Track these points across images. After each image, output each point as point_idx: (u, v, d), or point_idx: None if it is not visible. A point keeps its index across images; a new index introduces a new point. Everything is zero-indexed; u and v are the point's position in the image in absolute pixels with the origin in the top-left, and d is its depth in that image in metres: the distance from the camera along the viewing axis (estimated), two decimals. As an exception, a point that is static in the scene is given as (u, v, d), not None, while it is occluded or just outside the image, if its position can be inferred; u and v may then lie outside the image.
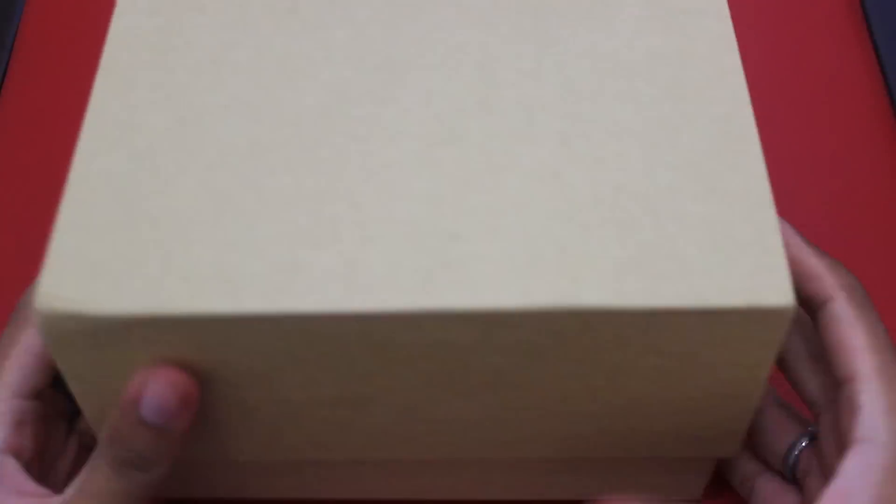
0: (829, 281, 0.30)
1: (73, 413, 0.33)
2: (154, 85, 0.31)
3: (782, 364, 0.33)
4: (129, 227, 0.27)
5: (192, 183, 0.28)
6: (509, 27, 0.32)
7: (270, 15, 0.32)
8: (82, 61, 0.48)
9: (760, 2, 0.50)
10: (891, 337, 0.29)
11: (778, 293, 0.26)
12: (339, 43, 0.32)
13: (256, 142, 0.29)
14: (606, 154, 0.29)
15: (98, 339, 0.26)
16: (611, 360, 0.27)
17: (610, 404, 0.29)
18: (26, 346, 0.30)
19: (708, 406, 0.29)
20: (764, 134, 0.43)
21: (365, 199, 0.28)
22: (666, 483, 0.35)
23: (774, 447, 0.33)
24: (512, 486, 0.35)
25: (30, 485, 0.29)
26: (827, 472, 0.29)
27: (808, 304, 0.30)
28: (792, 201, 0.43)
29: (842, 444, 0.28)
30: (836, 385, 0.29)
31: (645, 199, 0.28)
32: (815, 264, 0.30)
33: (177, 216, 0.27)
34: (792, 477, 0.32)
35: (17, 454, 0.30)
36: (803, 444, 0.32)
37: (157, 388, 0.27)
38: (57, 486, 0.31)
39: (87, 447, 0.32)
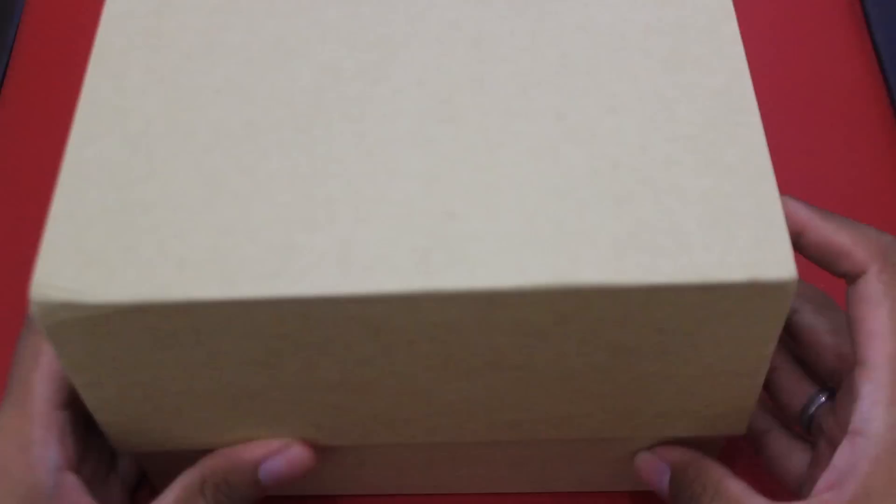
0: (859, 254, 0.28)
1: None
2: (147, 68, 0.30)
3: (798, 337, 0.32)
4: (123, 213, 0.27)
5: (186, 167, 0.28)
6: (504, 2, 0.32)
7: None
8: (82, 61, 0.48)
9: (760, 2, 0.50)
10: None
11: (779, 266, 0.26)
12: (332, 22, 0.31)
13: (250, 124, 0.29)
14: (603, 128, 0.28)
15: (94, 327, 0.26)
16: (612, 338, 0.27)
17: (613, 382, 0.29)
18: (50, 354, 0.30)
19: (713, 383, 0.29)
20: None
21: (359, 178, 0.28)
22: None
23: (789, 403, 0.32)
24: (515, 477, 0.35)
25: (88, 501, 0.29)
26: (832, 444, 0.29)
27: (846, 280, 0.29)
28: (792, 201, 0.43)
29: (841, 429, 0.28)
30: (851, 368, 0.29)
31: (642, 173, 0.27)
32: (843, 238, 0.29)
33: (170, 201, 0.27)
34: (808, 432, 0.32)
35: (68, 468, 0.29)
36: (822, 399, 0.31)
37: (287, 462, 0.30)
38: (108, 502, 0.31)
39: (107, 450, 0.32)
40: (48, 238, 0.27)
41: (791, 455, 0.32)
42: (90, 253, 0.26)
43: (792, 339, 0.33)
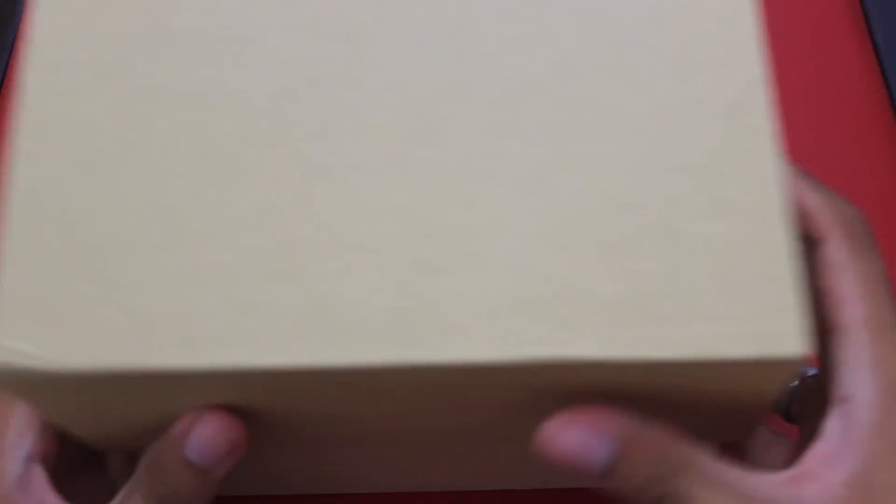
0: (824, 219, 0.27)
1: None
2: (88, 62, 0.27)
3: None
4: (78, 258, 0.25)
5: (139, 197, 0.25)
6: None
7: None
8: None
9: (760, 2, 0.50)
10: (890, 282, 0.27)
11: (791, 341, 0.23)
12: (297, 2, 0.27)
13: (206, 139, 0.26)
14: (602, 154, 0.26)
15: (55, 387, 0.25)
16: (606, 391, 0.25)
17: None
18: None
19: (707, 424, 0.27)
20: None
21: (329, 217, 0.25)
22: None
23: None
24: (515, 474, 0.35)
25: (51, 497, 0.29)
26: (815, 423, 0.27)
27: (805, 243, 0.27)
28: (792, 201, 0.43)
29: (824, 400, 0.26)
30: (823, 336, 0.27)
31: (644, 214, 0.25)
32: (811, 200, 0.27)
33: (126, 242, 0.25)
34: (787, 419, 0.31)
35: (43, 459, 0.29)
36: (794, 384, 0.30)
37: (206, 431, 0.26)
38: (74, 498, 0.30)
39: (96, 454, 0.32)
40: (4, 289, 0.25)
41: (773, 447, 0.30)
42: (47, 308, 0.24)
43: None
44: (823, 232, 0.27)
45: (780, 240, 0.24)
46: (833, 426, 0.26)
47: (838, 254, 0.27)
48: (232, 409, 0.26)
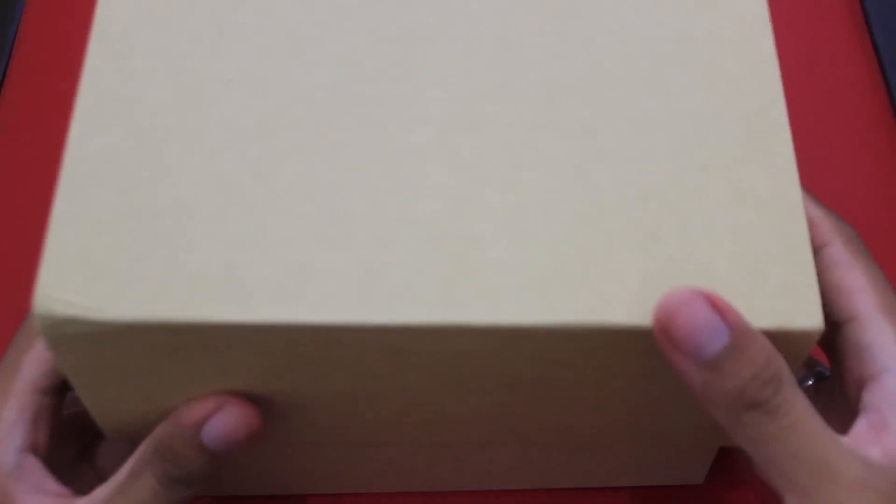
0: (825, 227, 0.29)
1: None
2: (152, 51, 0.28)
3: None
4: (131, 219, 0.25)
5: (197, 168, 0.26)
6: None
7: None
8: (82, 61, 0.48)
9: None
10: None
11: (807, 315, 0.25)
12: (352, 7, 0.29)
13: (263, 122, 0.27)
14: (633, 150, 0.28)
15: (99, 340, 0.25)
16: (633, 367, 0.27)
17: (624, 401, 0.29)
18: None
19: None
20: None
21: (380, 193, 0.26)
22: (668, 468, 0.35)
23: None
24: (516, 474, 0.35)
25: (51, 483, 0.29)
26: (837, 414, 0.28)
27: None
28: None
29: (856, 385, 0.28)
30: (837, 328, 0.28)
31: (672, 203, 0.27)
32: (811, 212, 0.29)
33: (181, 207, 0.26)
34: None
35: (35, 451, 0.29)
36: (809, 383, 0.31)
37: (227, 419, 0.27)
38: (64, 480, 0.31)
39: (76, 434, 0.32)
40: (51, 244, 0.25)
41: None
42: (96, 262, 0.25)
43: None
44: (825, 238, 0.29)
45: (795, 227, 0.27)
46: (873, 398, 0.27)
47: (842, 254, 0.28)
48: (249, 398, 0.27)
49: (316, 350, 0.26)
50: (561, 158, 0.27)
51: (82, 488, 0.30)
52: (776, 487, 0.25)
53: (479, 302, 0.25)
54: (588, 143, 0.28)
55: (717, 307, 0.24)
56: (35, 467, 0.29)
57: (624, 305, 0.25)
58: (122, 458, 0.34)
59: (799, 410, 0.24)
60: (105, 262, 0.25)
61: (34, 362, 0.30)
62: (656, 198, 0.27)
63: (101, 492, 0.28)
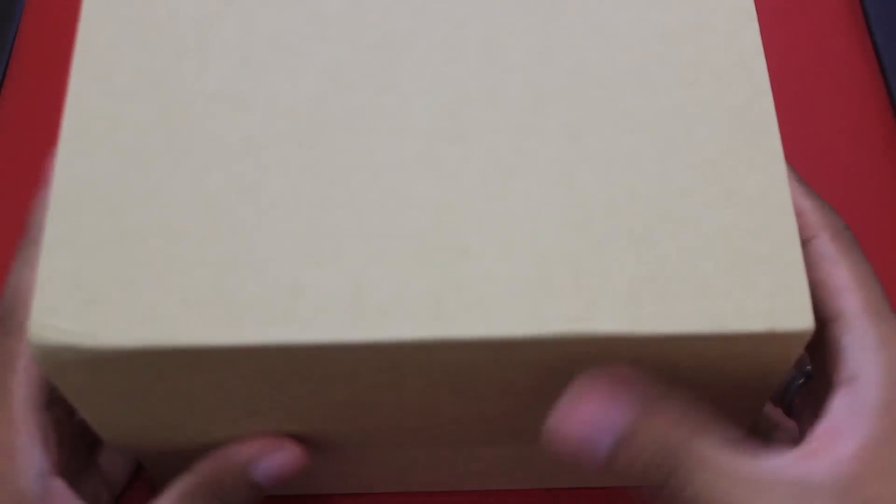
0: (812, 219, 0.28)
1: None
2: (135, 67, 0.28)
3: None
4: (120, 243, 0.26)
5: (184, 188, 0.26)
6: None
7: None
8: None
9: (760, 2, 0.50)
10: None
11: (797, 316, 0.25)
12: (333, 16, 0.29)
13: (249, 137, 0.27)
14: (620, 151, 0.27)
15: (95, 367, 0.25)
16: None
17: None
18: (27, 358, 0.29)
19: (717, 402, 0.29)
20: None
21: (367, 206, 0.26)
22: None
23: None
24: (516, 474, 0.35)
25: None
26: (816, 414, 0.27)
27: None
28: (792, 201, 0.43)
29: (829, 386, 0.27)
30: (822, 326, 0.27)
31: (660, 205, 0.26)
32: (800, 202, 0.28)
33: (169, 229, 0.26)
34: (788, 414, 0.31)
35: (55, 472, 0.29)
36: (799, 382, 0.31)
37: (283, 457, 0.29)
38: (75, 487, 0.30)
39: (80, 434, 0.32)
40: (44, 271, 0.25)
41: (773, 436, 0.31)
42: (88, 289, 0.25)
43: None
44: (813, 230, 0.28)
45: (784, 226, 0.26)
46: (839, 404, 0.26)
47: (829, 248, 0.28)
48: (302, 440, 0.29)
49: (309, 367, 0.26)
50: (547, 163, 0.27)
51: (88, 491, 0.30)
52: None
53: (467, 315, 0.25)
54: (574, 146, 0.27)
55: (610, 396, 0.25)
56: (60, 490, 0.29)
57: (612, 312, 0.25)
58: (125, 460, 0.34)
59: (699, 483, 0.24)
60: (97, 287, 0.25)
61: (24, 384, 0.29)
62: (643, 200, 0.27)
63: None
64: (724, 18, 0.29)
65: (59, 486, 0.29)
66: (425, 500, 0.36)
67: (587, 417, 0.25)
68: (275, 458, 0.29)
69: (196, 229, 0.26)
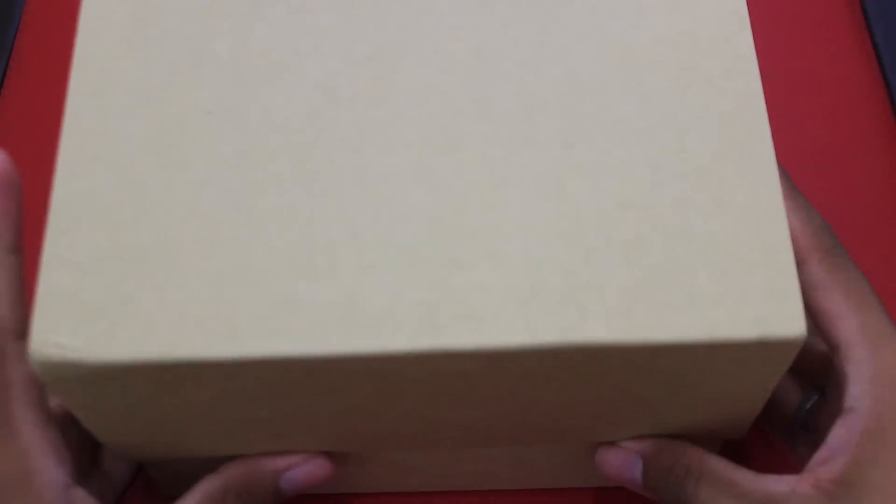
0: (801, 240, 0.29)
1: None
2: (131, 84, 0.28)
3: None
4: (118, 259, 0.26)
5: (179, 204, 0.27)
6: (505, 5, 0.30)
7: None
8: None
9: (759, 2, 0.50)
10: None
11: (790, 323, 0.25)
12: (325, 29, 0.29)
13: (243, 153, 0.27)
14: (611, 161, 0.27)
15: (96, 382, 0.26)
16: (619, 379, 0.27)
17: (615, 407, 0.29)
18: (21, 380, 0.28)
19: (714, 408, 0.29)
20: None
21: (361, 220, 0.26)
22: None
23: (780, 407, 0.33)
24: (516, 474, 0.35)
25: None
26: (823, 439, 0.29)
27: None
28: (792, 201, 0.43)
29: (838, 412, 0.28)
30: (829, 353, 0.29)
31: (652, 214, 0.27)
32: (790, 220, 0.28)
33: (166, 245, 0.26)
34: (805, 432, 0.32)
35: (75, 481, 0.29)
36: (815, 398, 0.32)
37: (311, 469, 0.30)
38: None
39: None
40: (43, 287, 0.26)
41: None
42: (87, 304, 0.25)
43: None
44: (802, 253, 0.28)
45: (776, 233, 0.26)
46: (835, 434, 0.28)
47: (819, 275, 0.28)
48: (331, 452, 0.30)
49: (305, 378, 0.26)
50: (539, 173, 0.27)
51: (94, 493, 0.30)
52: None
53: (461, 325, 0.25)
54: (566, 155, 0.27)
55: (627, 447, 0.31)
56: (82, 500, 0.29)
57: (604, 321, 0.25)
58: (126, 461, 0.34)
59: (710, 490, 0.28)
60: (96, 303, 0.25)
61: (26, 407, 0.28)
62: (635, 209, 0.27)
63: None
64: (717, 25, 0.29)
65: (81, 496, 0.29)
66: (425, 500, 0.36)
67: (622, 457, 0.31)
68: (305, 469, 0.30)
69: (192, 244, 0.26)
